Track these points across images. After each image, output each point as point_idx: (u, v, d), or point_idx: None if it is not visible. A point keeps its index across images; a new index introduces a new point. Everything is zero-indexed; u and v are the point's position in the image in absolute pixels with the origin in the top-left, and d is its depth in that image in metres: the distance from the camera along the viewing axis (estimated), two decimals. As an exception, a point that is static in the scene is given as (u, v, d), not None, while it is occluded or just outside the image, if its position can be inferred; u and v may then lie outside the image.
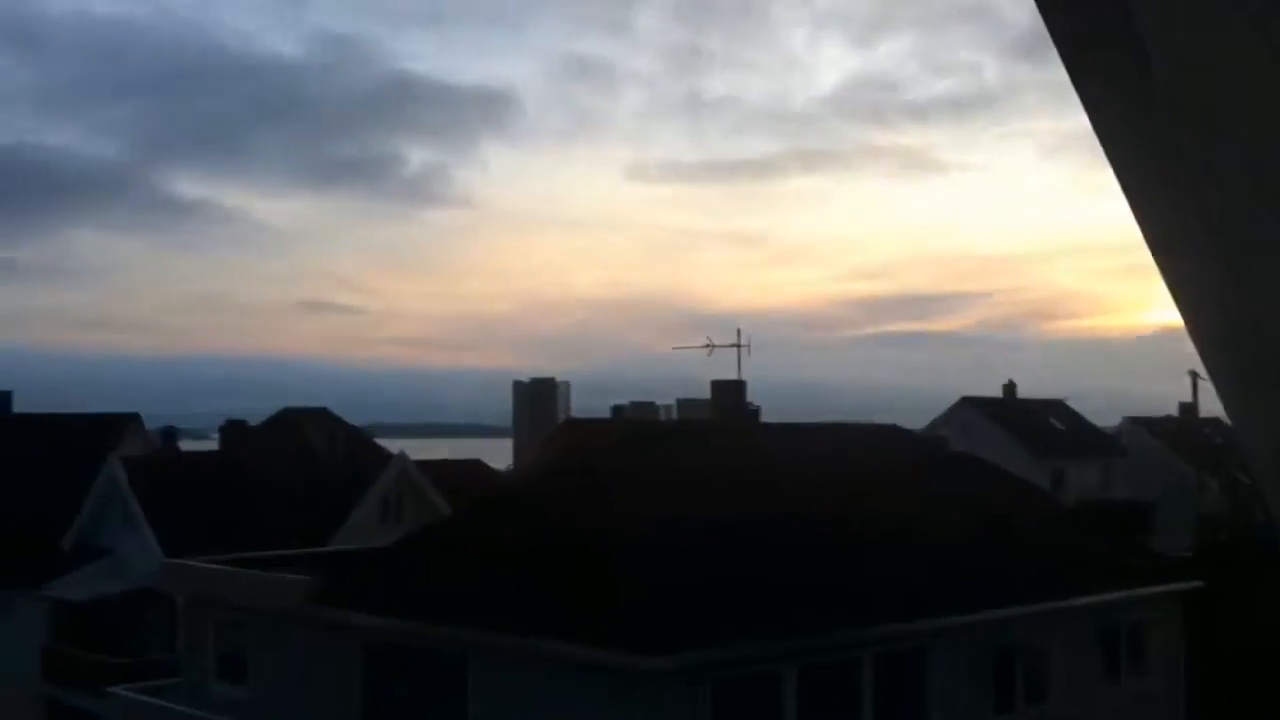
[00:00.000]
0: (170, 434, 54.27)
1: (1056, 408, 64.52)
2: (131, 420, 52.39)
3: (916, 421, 53.06)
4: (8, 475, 46.49)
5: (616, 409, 67.06)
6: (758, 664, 18.56)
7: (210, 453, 49.29)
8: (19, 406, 56.15)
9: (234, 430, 45.92)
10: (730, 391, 28.33)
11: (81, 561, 41.87)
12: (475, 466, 54.53)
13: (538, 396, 65.61)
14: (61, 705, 39.18)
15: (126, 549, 41.04)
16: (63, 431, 49.72)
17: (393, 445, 53.16)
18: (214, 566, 25.17)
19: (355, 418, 61.09)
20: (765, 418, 31.25)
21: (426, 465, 46.43)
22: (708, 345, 28.72)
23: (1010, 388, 63.91)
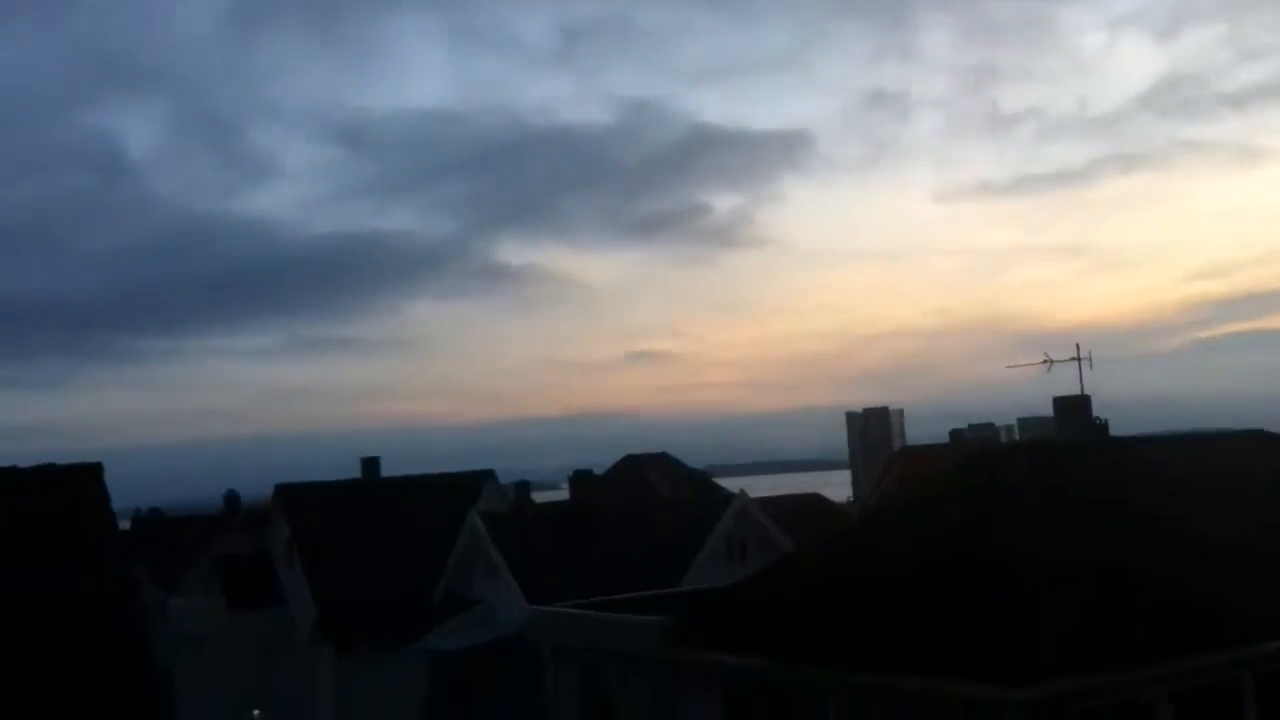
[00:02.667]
0: (523, 487, 56.82)
1: None
2: (487, 477, 55.20)
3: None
4: (383, 536, 49.85)
5: (955, 433, 65.75)
6: (1127, 691, 17.81)
7: (562, 502, 51.24)
8: (384, 472, 60.13)
9: (582, 480, 47.66)
10: (1075, 407, 27.36)
11: (452, 613, 44.31)
12: (814, 500, 54.62)
13: (871, 426, 65.08)
14: (444, 751, 41.46)
15: (492, 599, 43.18)
16: (426, 492, 52.91)
17: (731, 485, 53.94)
18: (577, 612, 26.18)
19: (692, 461, 62.35)
20: (1113, 432, 30.03)
21: (766, 502, 46.80)
22: (1045, 361, 27.85)
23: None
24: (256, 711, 53.34)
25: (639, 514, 45.40)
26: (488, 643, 41.45)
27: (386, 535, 50.24)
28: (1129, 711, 18.02)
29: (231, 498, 66.02)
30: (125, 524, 63.84)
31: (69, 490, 15.24)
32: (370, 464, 60.00)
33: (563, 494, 54.43)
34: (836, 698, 19.63)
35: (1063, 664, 17.44)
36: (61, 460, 16.02)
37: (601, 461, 57.39)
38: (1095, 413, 28.25)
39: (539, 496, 64.70)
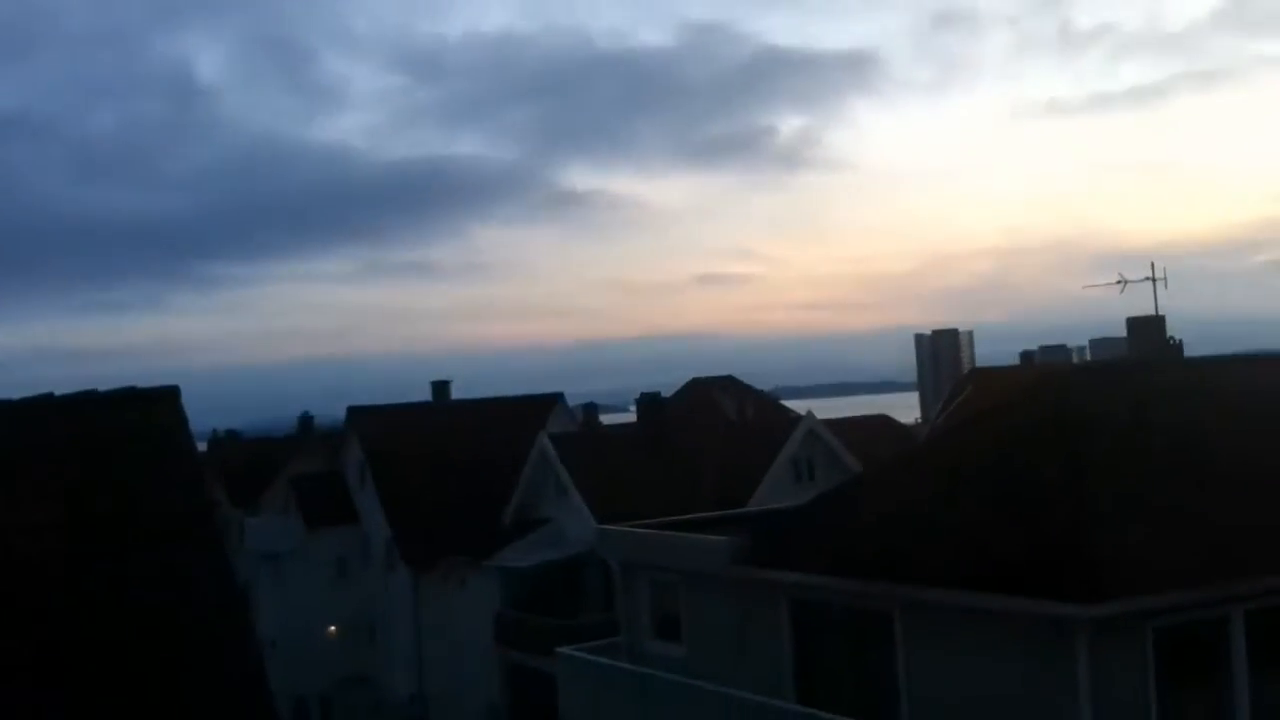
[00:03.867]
0: (591, 409, 57.20)
1: None
2: (555, 399, 55.67)
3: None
4: (454, 457, 50.49)
5: (1025, 354, 65.13)
6: (1202, 609, 17.75)
7: (629, 425, 51.55)
8: (454, 395, 60.76)
9: (649, 402, 47.89)
10: (1149, 328, 26.98)
11: (522, 533, 44.96)
12: (883, 422, 54.49)
13: (941, 348, 64.50)
14: (517, 666, 42.26)
15: (562, 519, 43.72)
16: (496, 414, 53.45)
17: (799, 407, 53.95)
18: (644, 531, 26.43)
19: (759, 383, 62.40)
20: (1188, 352, 29.60)
21: (834, 424, 46.79)
22: (1119, 281, 27.45)
23: None
24: (333, 627, 54.57)
25: (706, 436, 45.57)
26: (558, 560, 42.05)
27: (457, 456, 50.90)
28: (1201, 628, 17.98)
29: (306, 420, 67.08)
30: (203, 446, 65.14)
31: (147, 413, 15.49)
32: (440, 387, 60.73)
33: (630, 416, 54.71)
34: (904, 616, 19.73)
35: (1135, 582, 17.39)
36: (141, 383, 16.27)
37: (669, 384, 57.59)
38: (1170, 333, 27.86)
39: (607, 419, 65.13)
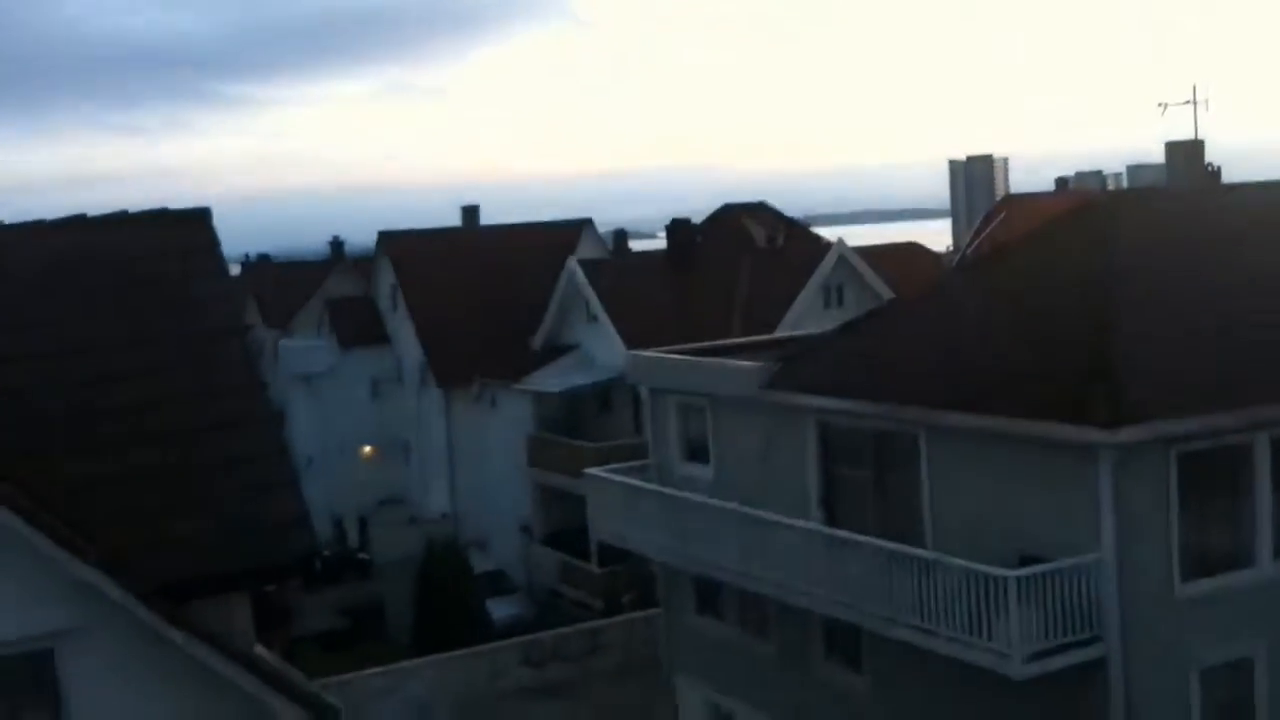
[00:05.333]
0: (621, 235, 57.02)
1: None
2: (585, 225, 55.49)
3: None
4: (484, 282, 50.67)
5: (1060, 181, 64.28)
6: (1227, 434, 17.88)
7: (659, 251, 51.43)
8: (483, 220, 60.64)
9: (679, 228, 47.69)
10: (1187, 153, 26.56)
11: (552, 358, 45.35)
12: (913, 250, 54.18)
13: (974, 174, 63.67)
14: (547, 488, 43.10)
15: (591, 344, 44.02)
16: (525, 240, 53.40)
17: (829, 234, 53.58)
18: (673, 357, 26.61)
19: (791, 210, 61.84)
20: (1226, 179, 29.19)
21: (865, 251, 46.54)
22: (1160, 105, 26.95)
23: None
24: (367, 448, 55.63)
25: (735, 261, 45.49)
26: (588, 384, 42.49)
27: (488, 281, 51.07)
28: (1225, 453, 18.14)
29: (336, 244, 67.25)
30: (235, 270, 65.49)
31: (179, 234, 15.59)
32: (470, 212, 60.59)
33: (660, 243, 54.57)
34: (929, 440, 19.95)
35: (1161, 406, 17.50)
36: (171, 205, 16.33)
37: (700, 211, 57.22)
38: (1208, 159, 27.45)
39: (636, 245, 64.99)
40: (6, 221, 16.30)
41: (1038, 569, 17.29)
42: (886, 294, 40.83)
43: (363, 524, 53.28)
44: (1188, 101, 26.62)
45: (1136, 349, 18.47)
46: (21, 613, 11.13)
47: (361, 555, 49.18)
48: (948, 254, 62.29)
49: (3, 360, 13.39)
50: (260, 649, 13.50)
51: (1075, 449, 17.48)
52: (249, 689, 11.72)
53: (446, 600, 36.21)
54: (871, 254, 46.51)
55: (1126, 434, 17.01)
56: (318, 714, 12.27)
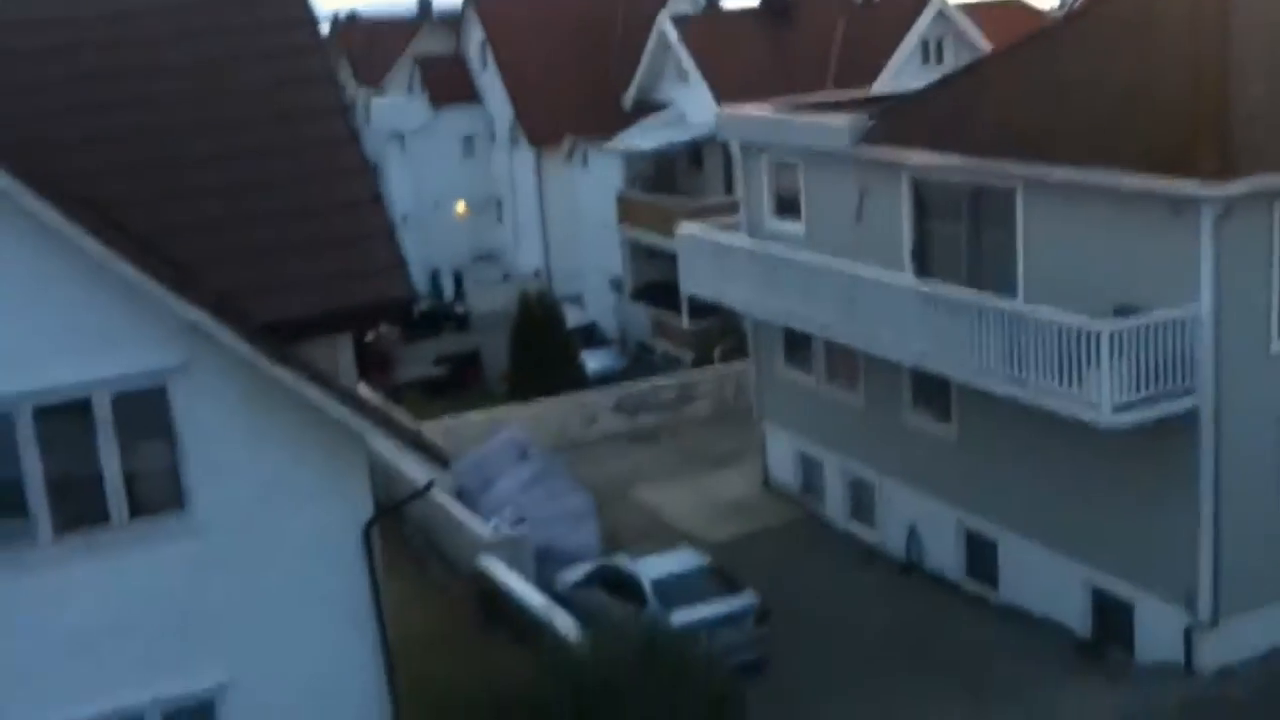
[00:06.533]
0: (714, -12, 55.36)
1: None
2: (676, -23, 53.92)
3: None
4: (574, 39, 49.93)
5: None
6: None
7: (751, 8, 49.99)
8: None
9: (773, -19, 46.19)
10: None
11: (643, 115, 44.92)
12: (1018, 7, 52.14)
13: (1087, -78, 60.49)
14: (637, 244, 43.31)
15: (682, 101, 43.48)
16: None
17: (930, -14, 51.59)
18: (765, 113, 26.25)
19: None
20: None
21: (967, 7, 44.90)
22: None
23: None
24: (461, 205, 56.13)
25: (831, 15, 44.21)
26: (679, 142, 42.15)
27: (578, 38, 50.29)
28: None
29: (424, 1, 66.31)
30: (325, 28, 65.08)
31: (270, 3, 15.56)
32: (560, -35, 59.05)
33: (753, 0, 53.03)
34: (1027, 194, 19.66)
35: (1267, 160, 17.05)
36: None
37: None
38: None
39: (729, 2, 63.17)
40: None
41: (1132, 321, 17.21)
42: (987, 50, 39.57)
43: (458, 279, 54.20)
44: None
45: (1244, 101, 17.89)
46: (135, 351, 11.60)
47: (458, 308, 50.13)
48: (1053, 11, 59.80)
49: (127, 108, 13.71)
50: (364, 390, 14.01)
51: (1177, 202, 17.16)
52: (354, 427, 12.16)
53: (541, 351, 36.92)
54: (973, 9, 44.86)
55: (1231, 187, 16.65)
56: (421, 452, 12.78)
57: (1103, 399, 17.07)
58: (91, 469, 11.60)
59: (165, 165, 13.42)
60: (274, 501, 12.24)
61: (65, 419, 11.48)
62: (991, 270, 20.38)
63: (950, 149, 20.76)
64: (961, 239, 21.22)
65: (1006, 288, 19.81)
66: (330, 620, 12.55)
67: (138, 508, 11.83)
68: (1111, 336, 16.95)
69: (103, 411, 11.52)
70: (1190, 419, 17.51)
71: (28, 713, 11.60)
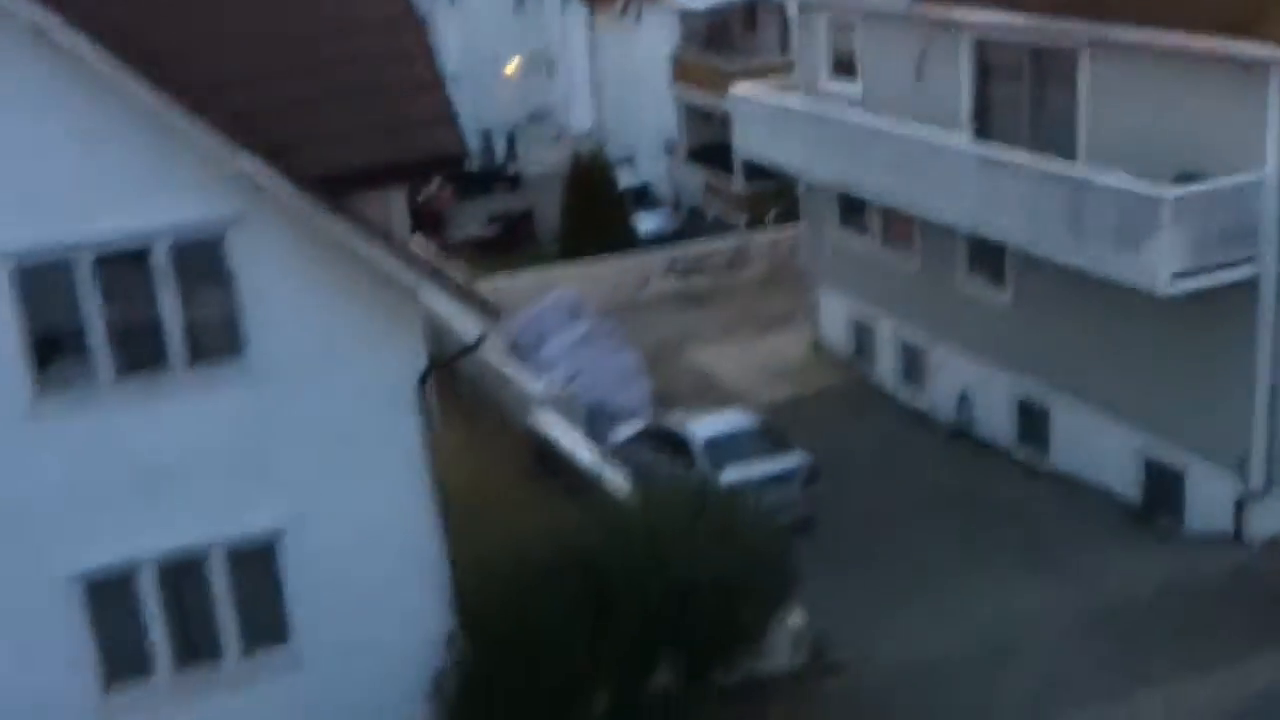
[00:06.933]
0: None
1: None
2: None
3: None
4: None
5: None
6: None
7: None
8: None
9: None
10: None
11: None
12: None
13: None
14: (692, 105, 42.76)
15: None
16: None
17: None
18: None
19: None
20: None
21: None
22: None
23: None
24: (512, 64, 55.50)
25: None
26: (735, 3, 41.31)
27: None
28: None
29: None
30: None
31: None
32: None
33: None
34: (1090, 55, 19.20)
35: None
36: None
37: None
38: None
39: None
40: None
41: (1195, 188, 16.90)
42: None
43: (510, 139, 53.84)
44: None
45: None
46: (192, 201, 11.68)
47: (510, 168, 49.91)
48: None
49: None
50: (417, 246, 14.03)
51: (1245, 65, 16.69)
52: (407, 282, 12.23)
53: (594, 211, 36.79)
54: None
55: (1301, 48, 16.17)
56: (473, 307, 12.84)
57: (1162, 266, 16.85)
58: (151, 316, 11.79)
59: (211, 15, 13.32)
60: (330, 351, 12.40)
61: (125, 267, 11.64)
62: (1052, 134, 20.00)
63: (1013, 7, 20.25)
64: (1022, 101, 20.81)
65: (1067, 152, 19.45)
66: (386, 466, 12.79)
67: (197, 354, 12.04)
68: (1175, 202, 16.67)
69: (161, 260, 11.66)
70: (1250, 287, 17.27)
71: (94, 544, 11.98)
